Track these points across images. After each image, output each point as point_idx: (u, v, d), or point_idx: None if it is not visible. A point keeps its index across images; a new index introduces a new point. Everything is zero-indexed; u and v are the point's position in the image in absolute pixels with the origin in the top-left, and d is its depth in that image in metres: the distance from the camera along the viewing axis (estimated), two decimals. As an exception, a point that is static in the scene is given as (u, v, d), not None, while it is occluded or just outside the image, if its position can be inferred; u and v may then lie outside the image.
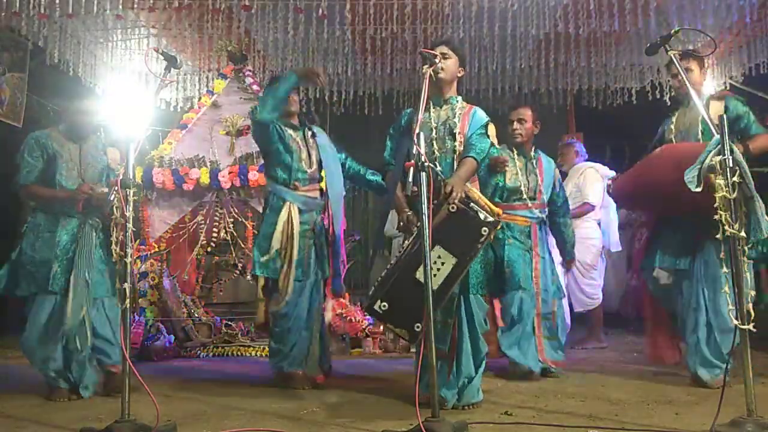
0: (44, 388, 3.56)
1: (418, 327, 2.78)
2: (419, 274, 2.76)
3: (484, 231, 2.85)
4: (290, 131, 3.87)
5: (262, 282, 3.82)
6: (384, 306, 2.84)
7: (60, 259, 3.54)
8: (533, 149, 4.20)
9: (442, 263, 2.81)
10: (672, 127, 3.81)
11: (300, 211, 3.78)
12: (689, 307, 3.62)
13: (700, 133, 3.64)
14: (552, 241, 4.34)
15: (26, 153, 3.61)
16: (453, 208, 2.83)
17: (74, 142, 3.71)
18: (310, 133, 3.96)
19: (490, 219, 2.88)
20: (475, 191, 3.05)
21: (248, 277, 5.75)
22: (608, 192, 4.14)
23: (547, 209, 4.20)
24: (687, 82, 3.00)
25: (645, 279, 3.95)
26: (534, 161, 4.16)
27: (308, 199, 3.84)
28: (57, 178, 3.60)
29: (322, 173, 3.98)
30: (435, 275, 2.77)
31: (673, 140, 3.77)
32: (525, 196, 4.06)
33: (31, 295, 3.58)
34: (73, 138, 3.71)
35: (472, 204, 2.90)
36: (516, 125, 4.09)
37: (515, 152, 4.13)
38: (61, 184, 3.61)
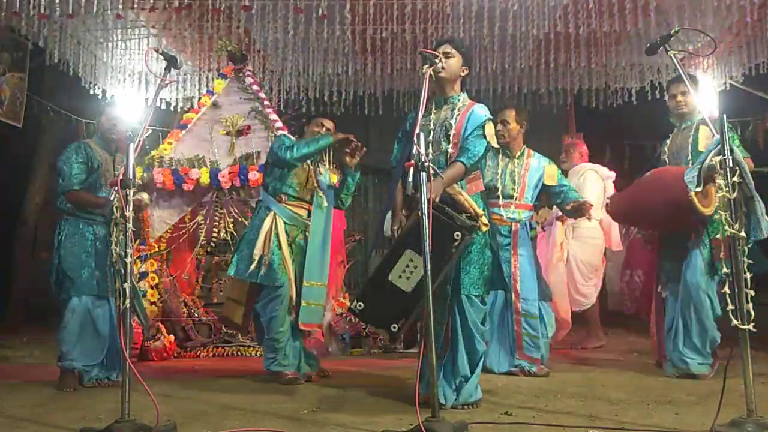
0: (44, 387, 3.58)
1: (394, 327, 2.84)
2: (392, 276, 2.79)
3: (457, 235, 2.86)
4: None
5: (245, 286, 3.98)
6: (359, 306, 2.91)
7: (102, 267, 3.77)
8: (522, 150, 4.26)
9: (415, 266, 2.83)
10: (666, 149, 4.08)
11: (284, 223, 3.96)
12: (676, 309, 3.89)
13: (690, 154, 3.89)
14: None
15: (73, 160, 3.78)
16: None
17: (109, 153, 3.92)
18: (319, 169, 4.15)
19: (467, 223, 2.88)
20: (462, 194, 3.04)
21: (251, 280, 5.76)
22: (606, 211, 4.27)
23: (532, 212, 4.30)
24: (686, 79, 3.03)
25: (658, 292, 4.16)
26: (519, 161, 4.23)
27: (293, 214, 3.99)
28: (98, 188, 3.81)
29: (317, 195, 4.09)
30: (408, 278, 2.80)
31: (666, 161, 4.03)
32: (500, 194, 4.16)
33: (68, 297, 3.76)
34: (108, 150, 3.93)
35: (447, 209, 2.89)
36: (499, 126, 4.16)
37: (500, 152, 4.22)
38: (99, 194, 3.81)
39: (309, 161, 4.04)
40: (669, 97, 4.13)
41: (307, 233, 4.00)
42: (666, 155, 4.06)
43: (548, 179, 4.25)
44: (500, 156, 4.23)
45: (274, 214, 3.95)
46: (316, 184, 4.07)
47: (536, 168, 4.24)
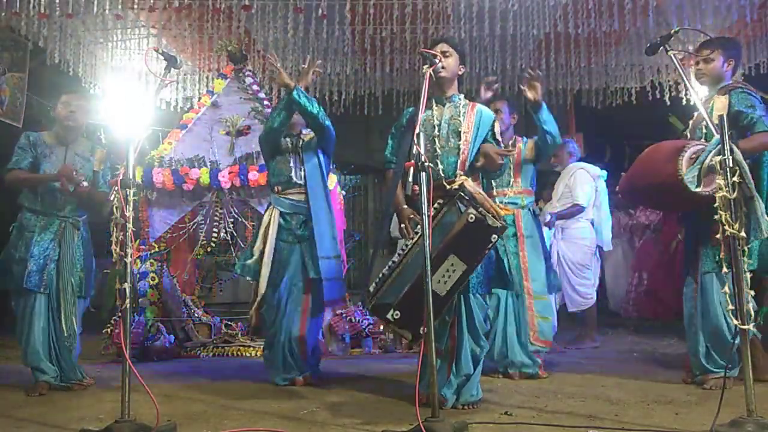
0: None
1: (423, 330, 2.83)
2: (433, 284, 2.79)
3: (494, 238, 2.91)
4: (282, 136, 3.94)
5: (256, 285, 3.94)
6: (396, 315, 2.89)
7: (36, 258, 3.65)
8: (512, 139, 4.26)
9: (454, 270, 2.86)
10: (690, 122, 3.73)
11: (281, 214, 3.87)
12: (690, 315, 3.58)
13: (704, 127, 3.49)
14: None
15: (18, 146, 3.77)
16: (471, 218, 2.86)
17: (63, 144, 3.83)
18: (300, 141, 3.97)
19: (498, 224, 2.93)
20: (482, 193, 3.10)
21: (248, 277, 5.78)
22: (617, 191, 4.10)
23: (532, 197, 4.24)
24: (685, 79, 3.00)
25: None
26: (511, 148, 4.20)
27: (291, 203, 3.89)
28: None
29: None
30: (445, 282, 2.84)
31: (688, 135, 3.71)
32: (495, 184, 4.12)
33: (13, 292, 3.72)
34: (62, 141, 3.83)
35: (481, 209, 2.94)
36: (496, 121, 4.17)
37: None
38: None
39: (289, 144, 3.92)
40: (693, 63, 3.83)
41: (309, 222, 3.87)
42: (689, 129, 3.71)
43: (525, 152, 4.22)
44: None
45: (272, 207, 3.91)
46: (300, 164, 3.92)
47: (522, 149, 4.22)
